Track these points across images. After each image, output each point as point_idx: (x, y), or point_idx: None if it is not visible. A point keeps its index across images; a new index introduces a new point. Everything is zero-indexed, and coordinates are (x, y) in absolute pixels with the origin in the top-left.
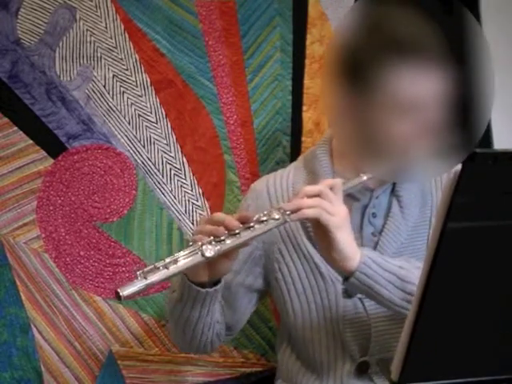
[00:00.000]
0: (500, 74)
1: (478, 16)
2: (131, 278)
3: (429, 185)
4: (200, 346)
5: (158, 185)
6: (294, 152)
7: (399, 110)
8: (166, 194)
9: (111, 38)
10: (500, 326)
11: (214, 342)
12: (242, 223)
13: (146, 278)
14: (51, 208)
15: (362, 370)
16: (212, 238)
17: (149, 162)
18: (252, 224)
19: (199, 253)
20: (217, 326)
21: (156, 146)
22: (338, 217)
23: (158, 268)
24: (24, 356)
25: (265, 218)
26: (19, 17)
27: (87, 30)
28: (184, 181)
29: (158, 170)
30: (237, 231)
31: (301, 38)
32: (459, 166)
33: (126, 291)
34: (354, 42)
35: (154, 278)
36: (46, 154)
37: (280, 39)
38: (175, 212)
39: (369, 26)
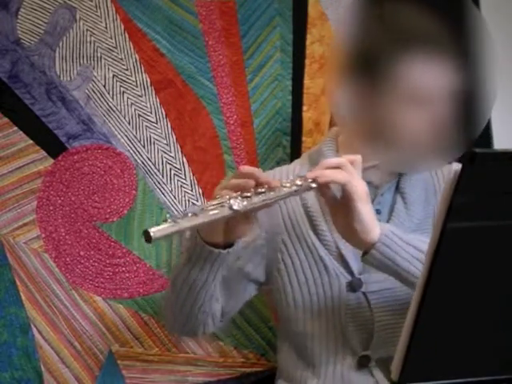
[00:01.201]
0: (500, 74)
1: None
2: (131, 278)
3: (432, 182)
4: (195, 324)
5: (158, 185)
6: (294, 152)
7: (411, 102)
8: (165, 194)
9: (111, 38)
10: (500, 326)
11: (208, 324)
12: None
13: (175, 222)
14: (51, 208)
15: (362, 364)
16: (239, 193)
17: (149, 162)
18: (277, 186)
19: (226, 206)
20: (215, 305)
21: (156, 145)
22: (360, 189)
23: (187, 215)
24: (24, 356)
25: (288, 184)
26: (19, 17)
27: (87, 29)
28: (184, 181)
29: (158, 170)
30: (263, 190)
31: (301, 38)
32: (459, 166)
33: (156, 232)
34: (365, 36)
35: (183, 223)
36: (45, 154)
37: (280, 39)
38: (175, 212)
39: (379, 19)
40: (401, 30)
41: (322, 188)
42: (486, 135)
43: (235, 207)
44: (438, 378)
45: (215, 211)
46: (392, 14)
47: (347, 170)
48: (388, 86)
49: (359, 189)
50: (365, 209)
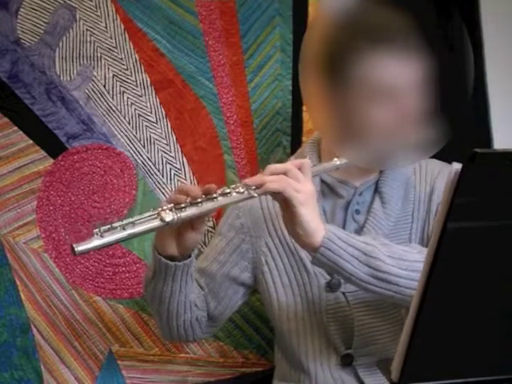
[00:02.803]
0: (500, 74)
1: (477, 16)
2: (131, 278)
3: (412, 179)
4: (180, 330)
5: (158, 185)
6: (294, 152)
7: (375, 97)
8: (166, 194)
9: (111, 38)
10: (500, 326)
11: (195, 329)
12: (206, 194)
13: (102, 236)
14: (51, 208)
15: (346, 362)
16: (172, 205)
17: (149, 162)
18: (215, 196)
19: (158, 218)
20: (196, 311)
21: (156, 145)
22: (302, 193)
23: (116, 228)
24: (24, 356)
25: (228, 191)
26: (19, 17)
27: (87, 29)
28: (184, 181)
29: (158, 170)
30: (199, 200)
31: (301, 38)
32: (459, 166)
33: (80, 247)
34: (329, 34)
35: (110, 237)
36: (45, 154)
37: (280, 39)
38: None
39: (342, 18)
40: (363, 26)
41: (270, 193)
42: (486, 135)
43: (166, 219)
44: (438, 378)
45: (145, 224)
46: (356, 10)
47: (292, 176)
48: (352, 81)
49: (299, 195)
50: (306, 213)
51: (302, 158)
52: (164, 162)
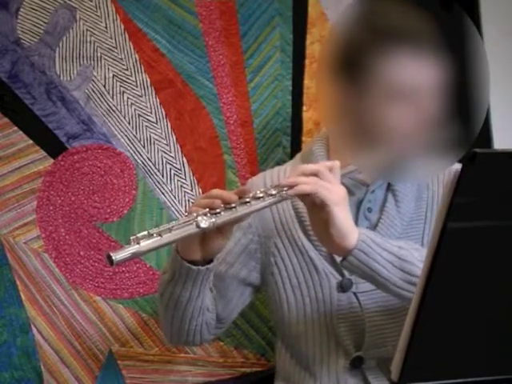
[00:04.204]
0: (500, 74)
1: (477, 16)
2: (131, 278)
3: None
4: (189, 335)
5: (158, 185)
6: (294, 152)
7: (394, 98)
8: (165, 194)
9: (111, 38)
10: (500, 326)
11: (203, 333)
12: (239, 198)
13: (138, 243)
14: (51, 208)
15: (355, 365)
16: (207, 210)
17: (149, 162)
18: (248, 200)
19: (194, 223)
20: (207, 315)
21: (156, 145)
22: (335, 195)
23: (152, 235)
24: (24, 356)
25: (261, 195)
26: (19, 17)
27: (87, 29)
28: (184, 181)
29: (158, 170)
30: (233, 205)
31: (301, 38)
32: (459, 166)
33: (118, 256)
34: (349, 34)
35: (146, 244)
36: (45, 154)
37: (280, 39)
38: (175, 212)
39: (363, 18)
40: (383, 27)
41: (302, 195)
42: (486, 135)
43: (202, 225)
44: (438, 378)
45: (181, 230)
46: (374, 11)
47: (324, 177)
48: (372, 82)
49: (332, 196)
50: (341, 214)
51: (310, 155)
52: (164, 162)
